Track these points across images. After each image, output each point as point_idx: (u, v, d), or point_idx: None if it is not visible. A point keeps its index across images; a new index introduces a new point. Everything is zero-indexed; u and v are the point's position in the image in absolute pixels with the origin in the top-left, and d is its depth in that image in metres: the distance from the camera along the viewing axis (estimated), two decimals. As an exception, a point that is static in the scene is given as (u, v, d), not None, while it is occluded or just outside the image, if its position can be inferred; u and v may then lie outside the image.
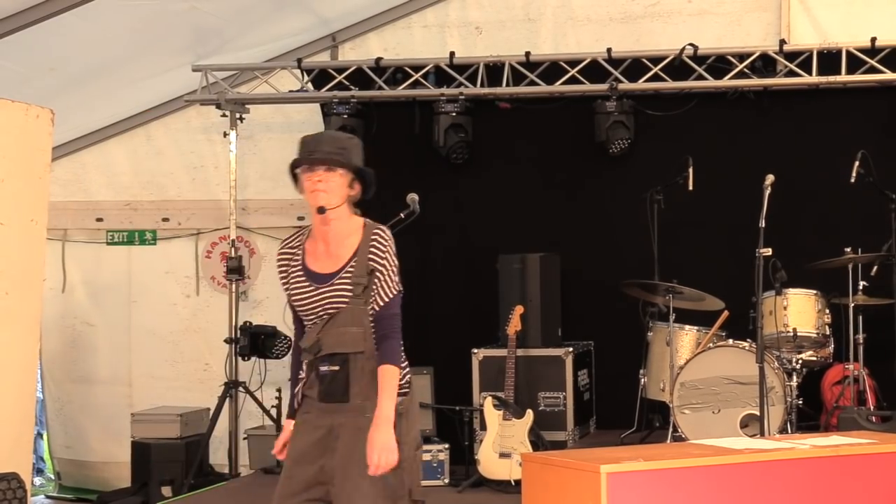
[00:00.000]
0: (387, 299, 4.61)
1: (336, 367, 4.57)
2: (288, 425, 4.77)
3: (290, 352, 4.89)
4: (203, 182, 9.99)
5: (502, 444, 7.68)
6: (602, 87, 8.87)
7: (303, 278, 4.66)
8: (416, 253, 9.05)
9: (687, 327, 8.30)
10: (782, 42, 8.75)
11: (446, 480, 8.00)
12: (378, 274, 4.58)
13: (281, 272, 4.76)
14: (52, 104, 7.33)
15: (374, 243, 4.60)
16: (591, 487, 4.13)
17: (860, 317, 7.99)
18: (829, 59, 8.64)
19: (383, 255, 4.60)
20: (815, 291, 8.06)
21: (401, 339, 4.64)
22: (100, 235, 10.13)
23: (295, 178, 4.73)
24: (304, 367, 4.68)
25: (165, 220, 10.01)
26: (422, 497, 4.67)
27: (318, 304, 4.61)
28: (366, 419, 4.51)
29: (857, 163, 7.97)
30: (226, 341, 9.31)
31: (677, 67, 8.84)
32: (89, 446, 10.09)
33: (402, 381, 4.62)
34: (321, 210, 4.59)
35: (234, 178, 9.46)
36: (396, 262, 4.65)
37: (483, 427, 7.87)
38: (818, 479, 4.44)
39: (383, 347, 4.58)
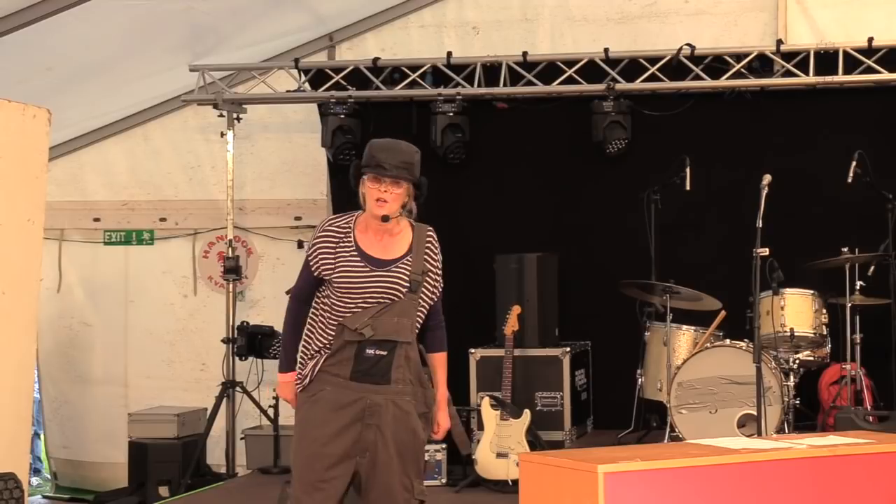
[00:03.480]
0: (437, 296, 5.04)
1: (384, 353, 4.88)
2: (288, 378, 5.01)
3: (291, 309, 5.06)
4: (200, 182, 9.98)
5: (500, 443, 7.68)
6: (599, 87, 8.87)
7: (357, 257, 4.89)
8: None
9: (684, 327, 8.30)
10: (779, 42, 8.76)
11: (444, 480, 7.99)
12: (431, 273, 4.97)
13: (326, 247, 4.91)
14: (49, 104, 7.32)
15: (430, 246, 5.00)
16: (589, 487, 4.13)
17: (857, 317, 8.00)
18: (826, 60, 8.65)
19: (437, 258, 5.02)
20: (812, 291, 8.06)
21: None
22: (97, 235, 10.13)
23: (356, 173, 4.96)
24: (332, 343, 4.89)
25: (163, 219, 10.01)
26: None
27: (372, 285, 4.87)
28: (406, 402, 4.90)
29: (854, 163, 7.98)
30: (223, 341, 9.31)
31: (674, 67, 8.84)
32: (86, 446, 10.09)
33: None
34: (385, 219, 4.87)
35: (232, 177, 9.46)
36: (441, 257, 5.06)
37: (480, 427, 7.87)
38: (815, 479, 4.44)
39: (436, 337, 5.09)
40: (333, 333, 4.90)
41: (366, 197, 4.90)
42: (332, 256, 4.90)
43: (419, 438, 4.96)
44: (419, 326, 4.98)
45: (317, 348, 4.93)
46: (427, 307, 4.98)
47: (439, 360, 5.09)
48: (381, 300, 4.87)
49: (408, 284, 4.89)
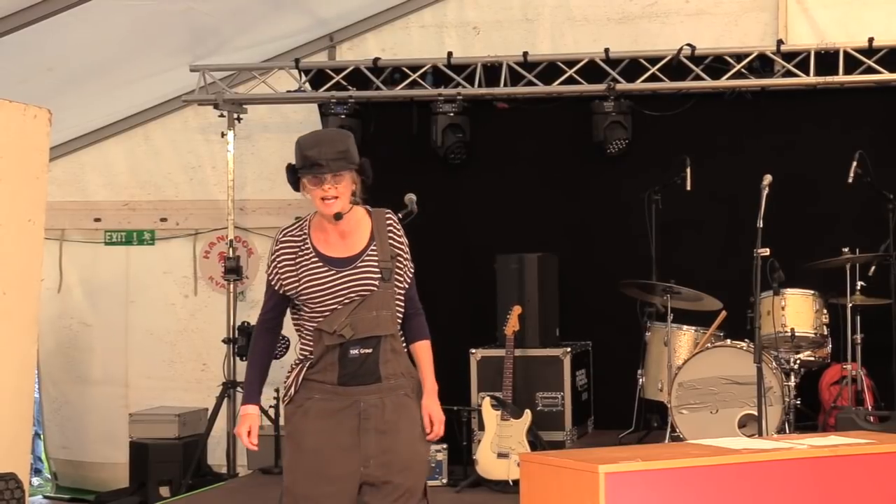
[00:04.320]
0: (410, 279, 4.78)
1: (368, 350, 4.60)
2: (249, 410, 4.70)
3: (256, 338, 4.81)
4: (201, 182, 9.98)
5: (500, 444, 7.68)
6: (600, 87, 8.87)
7: (319, 264, 4.62)
8: (413, 253, 9.04)
9: (685, 327, 8.30)
10: (780, 42, 8.76)
11: (444, 480, 7.99)
12: (400, 257, 4.72)
13: (285, 261, 4.64)
14: (50, 104, 7.32)
15: (391, 229, 4.72)
16: (590, 487, 4.13)
17: (858, 317, 8.00)
18: (826, 60, 8.65)
19: (401, 239, 4.75)
20: (812, 291, 8.06)
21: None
22: (98, 235, 10.13)
23: (293, 176, 4.70)
24: (313, 350, 4.62)
25: (163, 220, 10.01)
26: None
27: (342, 287, 4.59)
28: (402, 396, 4.64)
29: (854, 163, 7.97)
30: (223, 341, 9.31)
31: (675, 68, 8.84)
32: (86, 447, 10.08)
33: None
34: (338, 216, 4.59)
35: (232, 178, 9.46)
36: (407, 241, 4.80)
37: (481, 427, 7.87)
38: (816, 479, 4.44)
39: (416, 324, 4.80)
40: (312, 340, 4.63)
41: (311, 198, 4.64)
42: (294, 269, 4.63)
43: (421, 424, 4.68)
44: (401, 315, 4.71)
45: (299, 358, 4.67)
46: (401, 294, 4.71)
47: (422, 349, 4.78)
48: (355, 297, 4.58)
49: (379, 274, 4.61)
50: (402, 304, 4.73)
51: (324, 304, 4.60)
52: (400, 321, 4.72)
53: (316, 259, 4.63)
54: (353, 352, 4.58)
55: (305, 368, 4.64)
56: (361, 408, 4.58)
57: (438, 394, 4.80)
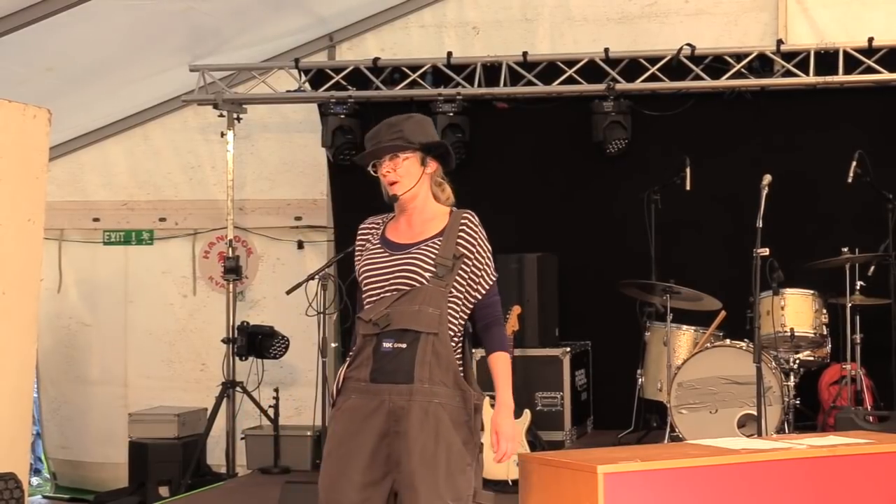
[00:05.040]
0: (488, 287, 4.45)
1: (403, 345, 4.28)
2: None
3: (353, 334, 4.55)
4: (200, 182, 9.98)
5: (500, 444, 7.67)
6: (599, 87, 8.87)
7: (379, 246, 4.43)
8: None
9: (684, 327, 8.30)
10: (779, 42, 8.76)
11: (443, 480, 7.97)
12: (468, 260, 4.38)
13: (360, 245, 4.52)
14: (50, 104, 7.32)
15: (464, 229, 4.42)
16: (589, 487, 4.13)
17: (857, 317, 8.00)
18: (826, 60, 8.65)
19: (474, 240, 4.42)
20: (812, 291, 8.06)
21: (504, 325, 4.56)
22: (97, 235, 10.12)
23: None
24: (356, 344, 4.39)
25: (162, 219, 10.01)
26: (482, 501, 4.55)
27: (390, 272, 4.35)
28: (436, 406, 4.29)
29: (854, 163, 7.98)
30: (223, 341, 9.31)
31: (674, 67, 8.84)
32: (85, 447, 10.08)
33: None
34: (394, 198, 4.43)
35: (232, 177, 9.46)
36: (489, 246, 4.48)
37: (481, 427, 7.85)
38: (815, 479, 4.44)
39: (494, 334, 4.47)
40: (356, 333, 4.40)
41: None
42: (362, 252, 4.47)
43: (455, 451, 4.32)
44: (457, 320, 4.36)
45: (348, 356, 4.42)
46: (462, 299, 4.36)
47: (497, 361, 4.47)
48: (401, 286, 4.30)
49: (432, 269, 4.30)
50: (458, 308, 4.37)
51: (374, 289, 4.36)
52: (456, 327, 4.38)
53: (378, 243, 4.45)
54: (387, 345, 4.28)
55: (346, 365, 4.41)
56: (389, 408, 4.27)
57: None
